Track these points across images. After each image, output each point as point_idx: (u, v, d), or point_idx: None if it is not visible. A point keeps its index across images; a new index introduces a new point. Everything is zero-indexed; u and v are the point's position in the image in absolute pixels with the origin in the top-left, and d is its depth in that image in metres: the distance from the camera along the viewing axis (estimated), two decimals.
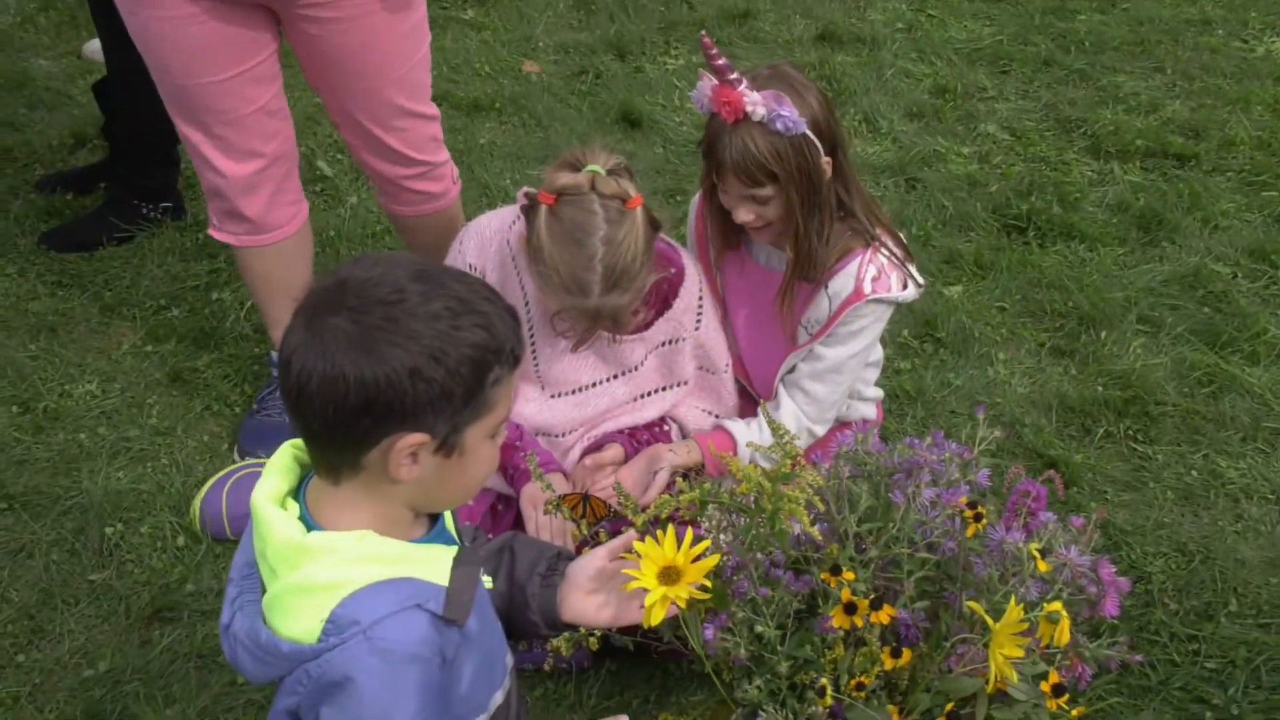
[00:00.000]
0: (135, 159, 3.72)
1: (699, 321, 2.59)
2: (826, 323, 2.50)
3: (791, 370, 2.59)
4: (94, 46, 4.55)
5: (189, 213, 3.82)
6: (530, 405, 2.59)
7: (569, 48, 4.93)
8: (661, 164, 4.19)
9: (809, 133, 2.33)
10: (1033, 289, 3.58)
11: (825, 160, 2.37)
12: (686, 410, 2.68)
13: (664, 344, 2.59)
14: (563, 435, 2.62)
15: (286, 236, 2.85)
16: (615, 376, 2.60)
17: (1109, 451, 3.05)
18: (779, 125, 2.30)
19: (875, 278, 2.47)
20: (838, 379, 2.57)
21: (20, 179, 4.05)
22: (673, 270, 2.55)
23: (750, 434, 2.56)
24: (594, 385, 2.60)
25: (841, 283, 2.48)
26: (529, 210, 2.33)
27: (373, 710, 1.47)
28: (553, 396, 2.59)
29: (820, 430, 2.61)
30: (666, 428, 2.67)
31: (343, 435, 1.46)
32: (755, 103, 2.31)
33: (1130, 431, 3.11)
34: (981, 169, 4.16)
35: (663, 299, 2.54)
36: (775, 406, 2.59)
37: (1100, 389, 3.22)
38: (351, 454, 1.48)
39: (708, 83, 2.36)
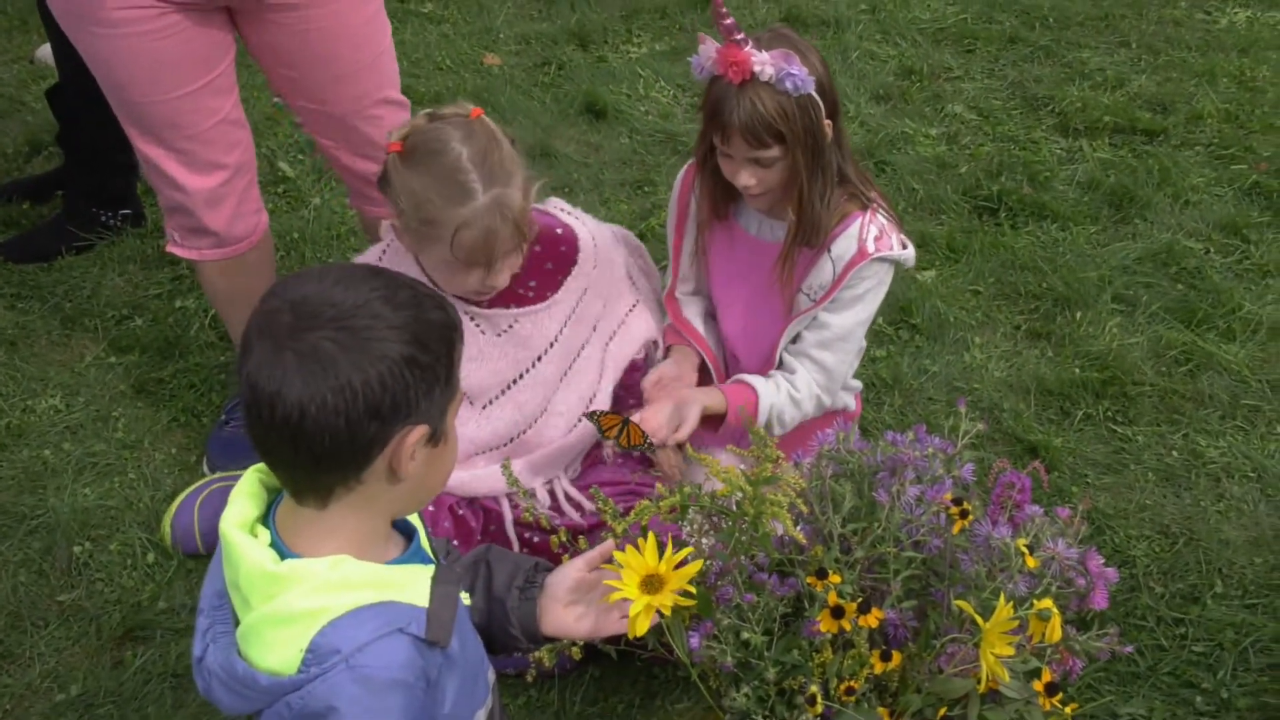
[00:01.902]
0: (92, 166, 3.65)
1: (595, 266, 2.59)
2: (831, 286, 2.47)
3: (795, 340, 2.55)
4: (45, 51, 4.48)
5: (149, 219, 3.76)
6: (469, 425, 2.53)
7: (530, 39, 4.87)
8: (628, 155, 4.15)
9: (814, 93, 2.31)
10: (1006, 271, 3.56)
11: (827, 122, 2.35)
12: (643, 325, 2.69)
13: (576, 306, 2.56)
14: (510, 442, 2.58)
15: (251, 247, 2.78)
16: (538, 359, 2.55)
17: (1089, 434, 3.03)
18: (789, 84, 2.28)
19: (878, 237, 2.46)
20: (846, 347, 2.55)
21: None
22: (559, 230, 2.54)
23: (772, 394, 2.53)
24: (521, 378, 2.55)
25: (844, 245, 2.46)
26: (381, 183, 2.30)
27: None
28: (484, 407, 2.54)
29: (828, 400, 2.58)
30: (642, 355, 2.67)
31: (348, 450, 1.43)
32: (764, 62, 2.29)
33: (1109, 413, 3.09)
34: (950, 150, 4.14)
35: (568, 260, 2.53)
36: (791, 371, 2.56)
37: (1078, 371, 3.20)
38: (355, 468, 1.45)
39: (711, 46, 2.33)
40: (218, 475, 2.87)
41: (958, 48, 4.78)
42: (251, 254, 2.80)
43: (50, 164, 4.02)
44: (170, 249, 2.80)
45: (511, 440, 2.57)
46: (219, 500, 2.71)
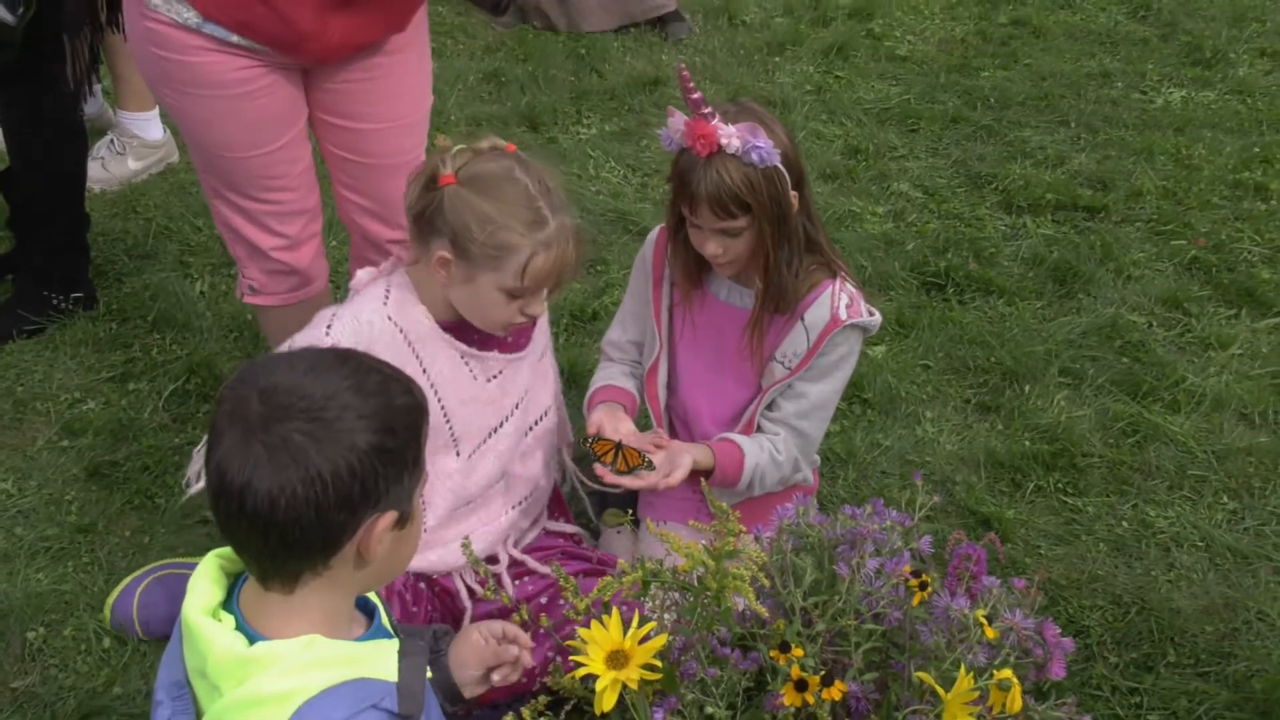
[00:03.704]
0: (43, 249, 3.65)
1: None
2: (807, 354, 2.52)
3: (771, 407, 2.59)
4: None
5: (100, 302, 3.76)
6: (455, 478, 2.54)
7: (481, 120, 4.93)
8: (588, 234, 4.19)
9: (779, 165, 2.36)
10: (955, 345, 3.62)
11: (793, 193, 2.40)
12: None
13: (541, 356, 2.63)
14: (490, 487, 2.59)
15: (324, 285, 2.94)
16: (515, 407, 2.58)
17: (1040, 505, 3.08)
18: (754, 157, 2.34)
19: (849, 304, 2.52)
20: (823, 415, 2.63)
21: None
22: None
23: (757, 453, 2.56)
24: (500, 426, 2.57)
25: (817, 313, 2.51)
26: (423, 217, 2.33)
27: None
28: (469, 456, 2.55)
29: (805, 464, 2.63)
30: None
31: (318, 539, 1.46)
32: (730, 135, 2.34)
33: (1060, 484, 3.14)
34: (897, 227, 4.21)
35: None
36: (774, 434, 2.59)
37: (1028, 443, 3.25)
38: (324, 555, 1.48)
39: (679, 119, 2.39)
40: (164, 562, 2.85)
41: (902, 127, 4.89)
42: (322, 294, 2.93)
43: (0, 249, 4.02)
44: (247, 299, 2.92)
45: (499, 482, 2.58)
46: (160, 589, 2.71)
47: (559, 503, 2.78)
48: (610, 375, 2.79)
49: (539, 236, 2.29)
